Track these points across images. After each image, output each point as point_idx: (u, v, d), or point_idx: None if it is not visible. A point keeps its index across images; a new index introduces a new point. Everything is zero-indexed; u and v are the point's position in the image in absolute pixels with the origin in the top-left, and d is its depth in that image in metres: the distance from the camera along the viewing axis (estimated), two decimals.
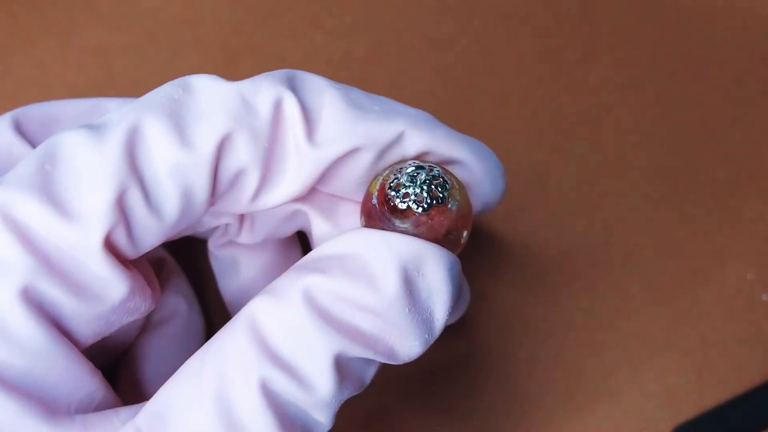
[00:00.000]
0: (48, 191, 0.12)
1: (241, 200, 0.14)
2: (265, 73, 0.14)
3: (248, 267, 0.18)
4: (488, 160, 0.15)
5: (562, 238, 0.22)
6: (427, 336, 0.13)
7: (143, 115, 0.12)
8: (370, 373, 0.13)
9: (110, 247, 0.12)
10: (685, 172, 0.22)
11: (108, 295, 0.13)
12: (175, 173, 0.12)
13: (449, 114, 0.23)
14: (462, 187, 0.13)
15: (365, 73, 0.23)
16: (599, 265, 0.21)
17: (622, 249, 0.21)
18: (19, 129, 0.15)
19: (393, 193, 0.13)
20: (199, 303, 0.19)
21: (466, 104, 0.23)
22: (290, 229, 0.17)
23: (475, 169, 0.15)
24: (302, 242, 0.19)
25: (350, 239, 0.13)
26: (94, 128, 0.12)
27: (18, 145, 0.15)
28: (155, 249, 0.16)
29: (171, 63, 0.23)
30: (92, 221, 0.12)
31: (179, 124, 0.13)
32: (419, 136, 0.14)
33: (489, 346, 0.21)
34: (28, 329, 0.12)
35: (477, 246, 0.21)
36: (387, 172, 0.13)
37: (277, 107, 0.13)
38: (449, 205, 0.13)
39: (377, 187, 0.13)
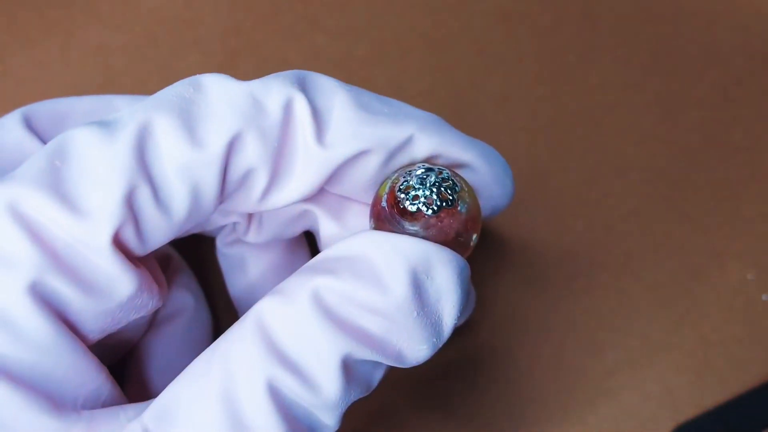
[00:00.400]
0: (58, 187, 0.12)
1: (249, 200, 0.14)
2: (275, 74, 0.14)
3: (256, 265, 0.18)
4: (497, 164, 0.15)
5: (562, 238, 0.22)
6: (435, 340, 0.13)
7: (154, 114, 0.12)
8: (377, 375, 0.13)
9: (119, 244, 0.12)
10: (685, 172, 0.22)
11: (116, 292, 0.13)
12: (184, 172, 0.13)
13: (449, 114, 0.23)
14: (471, 190, 0.13)
15: (366, 73, 0.23)
16: (599, 265, 0.21)
17: (622, 249, 0.22)
18: (29, 125, 0.15)
19: (402, 195, 0.13)
20: (206, 299, 0.19)
21: (466, 104, 0.23)
22: (298, 229, 0.17)
23: (483, 172, 0.15)
24: (309, 242, 0.20)
25: (360, 241, 0.13)
26: (104, 125, 0.12)
27: (28, 141, 0.15)
28: (162, 246, 0.16)
29: (171, 63, 0.23)
30: (101, 218, 0.12)
31: (189, 123, 0.13)
32: (428, 140, 0.14)
33: (489, 345, 0.21)
34: (36, 324, 0.12)
35: (477, 246, 0.21)
36: (396, 174, 0.13)
37: (288, 108, 0.13)
38: (459, 208, 0.13)
39: (386, 189, 0.13)
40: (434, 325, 0.13)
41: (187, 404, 0.12)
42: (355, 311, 0.12)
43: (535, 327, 0.21)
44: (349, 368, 0.12)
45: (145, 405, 0.13)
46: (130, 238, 0.12)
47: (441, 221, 0.13)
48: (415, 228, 0.13)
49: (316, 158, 0.13)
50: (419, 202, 0.13)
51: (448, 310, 0.13)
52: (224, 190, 0.13)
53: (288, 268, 0.18)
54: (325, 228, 0.15)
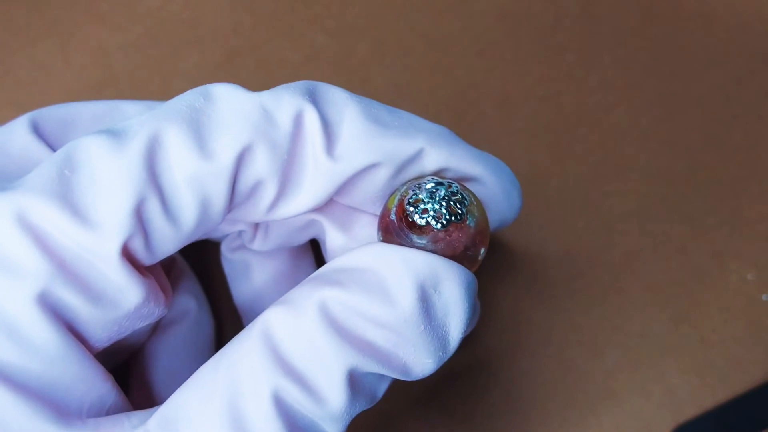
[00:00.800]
0: (67, 197, 0.12)
1: (257, 210, 0.14)
2: (286, 85, 0.14)
3: (260, 272, 0.18)
4: (505, 178, 0.15)
5: (562, 238, 0.22)
6: (441, 354, 0.13)
7: (164, 124, 0.12)
8: (382, 388, 0.13)
9: (127, 254, 0.12)
10: (685, 172, 0.22)
11: (123, 302, 0.13)
12: (193, 183, 0.12)
13: (449, 114, 0.23)
14: (480, 204, 0.13)
15: (366, 73, 0.23)
16: (599, 265, 0.21)
17: (622, 249, 0.22)
18: (37, 130, 0.15)
19: (412, 208, 0.13)
20: (209, 303, 0.19)
21: (466, 104, 0.23)
22: (304, 238, 0.17)
23: (492, 186, 0.15)
24: (314, 249, 0.20)
25: (368, 253, 0.13)
26: (114, 134, 0.12)
27: (35, 146, 0.15)
28: None
29: (171, 63, 0.23)
30: (110, 229, 0.12)
31: (200, 134, 0.13)
32: (438, 153, 0.14)
33: (489, 346, 0.21)
34: (44, 333, 0.12)
35: None
36: (405, 187, 0.13)
37: (298, 120, 0.13)
38: (468, 222, 0.13)
39: (395, 202, 0.13)
40: (440, 339, 0.13)
41: (192, 412, 0.12)
42: (362, 324, 0.12)
43: (535, 327, 0.21)
44: (354, 380, 0.12)
45: (150, 412, 0.13)
46: (138, 248, 0.12)
47: (450, 235, 0.13)
48: (424, 241, 0.13)
49: (326, 170, 0.13)
50: (428, 216, 0.13)
51: (455, 325, 0.13)
52: (233, 200, 0.13)
53: (293, 276, 0.18)
54: (332, 238, 0.15)
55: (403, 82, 0.23)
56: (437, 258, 0.13)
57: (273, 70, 0.23)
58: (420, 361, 0.13)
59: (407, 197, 0.13)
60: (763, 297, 0.21)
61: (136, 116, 0.13)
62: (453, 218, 0.13)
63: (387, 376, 0.13)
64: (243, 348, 0.12)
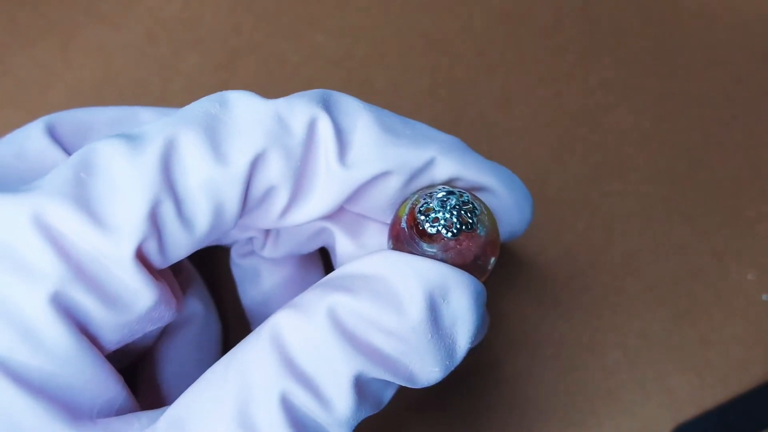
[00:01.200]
0: (83, 200, 0.12)
1: (269, 216, 0.14)
2: (300, 92, 0.14)
3: (269, 278, 0.18)
4: (517, 189, 0.15)
5: (562, 238, 0.22)
6: (448, 363, 0.13)
7: (180, 129, 0.13)
8: (388, 394, 0.13)
9: (141, 257, 0.13)
10: (685, 172, 0.22)
11: (136, 305, 0.13)
12: (208, 188, 0.13)
13: (449, 114, 0.23)
14: (491, 214, 0.14)
15: (365, 73, 0.23)
16: (599, 265, 0.21)
17: (622, 249, 0.22)
18: (53, 134, 0.15)
19: (422, 217, 0.13)
20: (216, 307, 0.19)
21: (466, 104, 0.23)
22: (314, 246, 0.17)
23: (503, 196, 0.15)
24: (323, 256, 0.20)
25: (378, 260, 0.13)
26: (131, 139, 0.13)
27: (51, 150, 0.15)
28: None
29: (171, 63, 0.23)
30: (125, 232, 0.12)
31: (215, 140, 0.13)
32: (449, 163, 0.14)
33: (489, 346, 0.21)
34: (57, 334, 0.12)
35: None
36: (416, 196, 0.13)
37: (311, 127, 0.13)
38: (478, 231, 0.13)
39: (406, 210, 0.13)
40: (448, 348, 0.13)
41: (200, 414, 0.12)
42: (370, 330, 0.12)
43: (535, 327, 0.21)
44: (361, 386, 0.12)
45: (159, 412, 0.13)
46: (152, 251, 0.13)
47: (460, 244, 0.13)
48: (434, 250, 0.13)
49: (338, 178, 0.13)
50: (439, 225, 0.13)
51: (463, 334, 0.13)
52: (245, 206, 0.13)
53: (301, 282, 0.18)
54: (342, 246, 0.15)
55: (403, 82, 0.23)
56: (447, 267, 0.13)
57: (273, 70, 0.23)
58: (426, 370, 0.13)
59: (418, 206, 0.13)
60: (763, 297, 0.21)
61: (152, 122, 0.13)
62: (463, 227, 0.13)
63: (393, 383, 0.13)
64: (252, 350, 0.12)
